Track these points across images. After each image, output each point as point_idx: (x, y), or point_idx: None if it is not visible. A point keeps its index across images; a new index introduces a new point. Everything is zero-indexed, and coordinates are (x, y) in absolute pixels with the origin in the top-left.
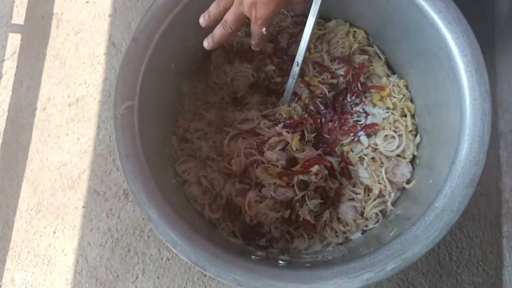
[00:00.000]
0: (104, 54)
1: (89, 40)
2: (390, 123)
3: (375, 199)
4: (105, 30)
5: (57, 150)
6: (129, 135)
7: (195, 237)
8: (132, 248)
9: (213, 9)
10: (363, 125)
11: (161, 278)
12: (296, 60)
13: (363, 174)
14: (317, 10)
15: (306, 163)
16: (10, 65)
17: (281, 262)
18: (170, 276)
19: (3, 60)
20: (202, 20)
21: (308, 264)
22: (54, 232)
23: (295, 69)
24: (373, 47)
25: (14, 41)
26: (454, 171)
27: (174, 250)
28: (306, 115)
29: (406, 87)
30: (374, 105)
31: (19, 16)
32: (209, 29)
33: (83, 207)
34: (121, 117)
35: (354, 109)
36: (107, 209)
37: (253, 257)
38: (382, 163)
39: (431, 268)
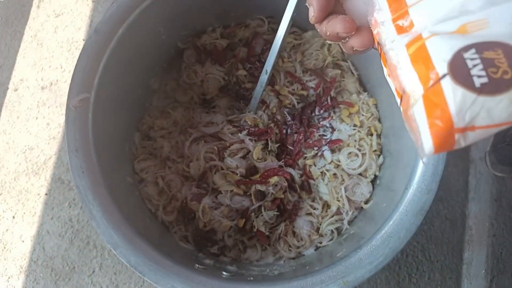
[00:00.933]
0: (83, 39)
1: (70, 24)
2: (355, 140)
3: (332, 216)
4: (87, 15)
5: (25, 133)
6: (81, 129)
7: (138, 241)
8: (91, 241)
9: None
10: (328, 140)
11: (118, 274)
12: (265, 68)
13: (323, 189)
14: (289, 17)
15: (266, 173)
16: None
17: (224, 273)
18: (128, 273)
19: None
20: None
21: (252, 278)
22: (14, 217)
23: (264, 77)
24: (347, 62)
25: None
26: (406, 198)
27: (114, 252)
28: (272, 124)
29: (376, 106)
30: (342, 121)
31: None
32: (183, 27)
33: (46, 194)
34: (74, 109)
35: (321, 123)
36: (70, 199)
37: (197, 265)
38: (343, 180)
39: None
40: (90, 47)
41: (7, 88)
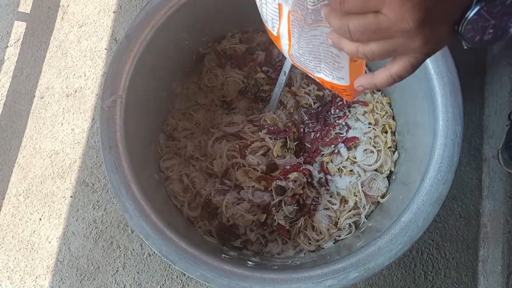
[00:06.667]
0: (105, 49)
1: (92, 34)
2: (370, 138)
3: (350, 211)
4: (109, 25)
5: (51, 138)
6: (113, 128)
7: (168, 232)
8: (115, 241)
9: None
10: (344, 137)
11: (140, 274)
12: (283, 70)
13: (341, 185)
14: None
15: (285, 169)
16: (13, 52)
17: (250, 262)
18: (150, 272)
19: (6, 47)
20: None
21: (276, 267)
22: (40, 219)
23: (282, 78)
24: None
25: (18, 28)
26: (423, 188)
27: (146, 242)
28: (290, 124)
29: (390, 104)
30: (357, 119)
31: (26, 5)
32: (204, 33)
33: (71, 196)
34: (107, 109)
35: (337, 121)
36: (94, 201)
37: (224, 255)
38: (359, 176)
39: (406, 285)
40: (121, 51)
41: (34, 96)
